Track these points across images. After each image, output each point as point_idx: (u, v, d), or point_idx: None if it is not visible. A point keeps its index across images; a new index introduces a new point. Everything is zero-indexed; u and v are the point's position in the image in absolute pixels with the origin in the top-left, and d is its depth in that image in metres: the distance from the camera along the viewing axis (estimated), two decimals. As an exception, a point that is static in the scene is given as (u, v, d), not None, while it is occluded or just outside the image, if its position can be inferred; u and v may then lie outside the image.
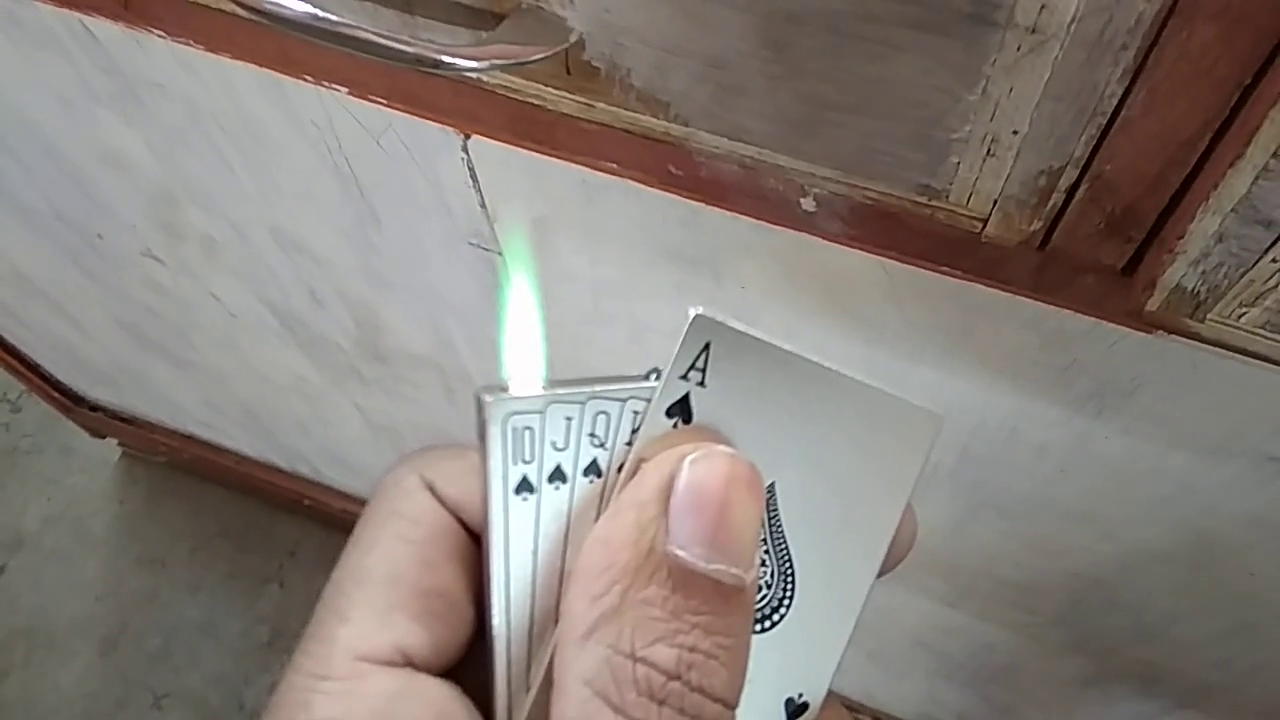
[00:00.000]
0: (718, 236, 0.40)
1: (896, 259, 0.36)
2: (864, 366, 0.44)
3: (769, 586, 0.20)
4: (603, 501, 0.20)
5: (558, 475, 0.19)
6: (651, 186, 0.37)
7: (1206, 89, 0.25)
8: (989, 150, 0.29)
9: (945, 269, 0.35)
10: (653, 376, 0.19)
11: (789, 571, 0.20)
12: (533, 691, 0.19)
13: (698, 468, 0.18)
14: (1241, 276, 0.28)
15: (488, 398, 0.18)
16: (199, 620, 1.18)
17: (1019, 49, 0.26)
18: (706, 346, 0.19)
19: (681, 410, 0.19)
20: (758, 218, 0.37)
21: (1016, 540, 0.53)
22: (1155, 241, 0.30)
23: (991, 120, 0.28)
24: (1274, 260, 0.27)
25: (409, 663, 0.20)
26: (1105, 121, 0.27)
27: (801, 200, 0.35)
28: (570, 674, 0.18)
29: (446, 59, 0.31)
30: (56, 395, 1.06)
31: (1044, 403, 0.41)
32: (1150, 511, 0.45)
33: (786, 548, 0.20)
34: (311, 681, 0.19)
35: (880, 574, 0.22)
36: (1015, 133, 0.28)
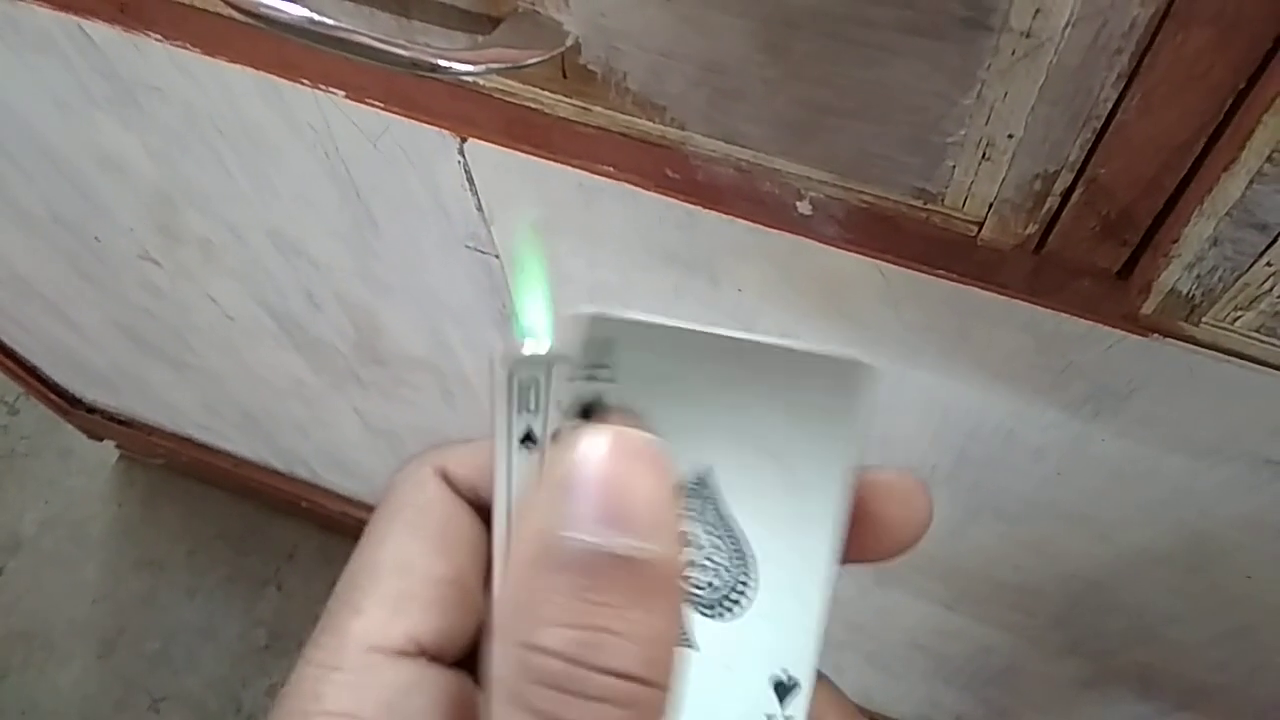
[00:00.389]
0: (714, 239, 0.40)
1: (893, 262, 0.36)
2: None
3: (726, 571, 0.20)
4: None
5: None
6: (648, 190, 0.37)
7: (1201, 93, 0.25)
8: (984, 154, 0.29)
9: (941, 272, 0.35)
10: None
11: (743, 553, 0.20)
12: None
13: (586, 450, 0.18)
14: (1236, 280, 0.28)
15: (499, 350, 0.18)
16: (197, 623, 1.18)
17: (1013, 53, 0.26)
18: (609, 342, 0.18)
19: (599, 409, 0.18)
20: (754, 221, 0.37)
21: (1014, 542, 0.53)
22: (1150, 245, 0.30)
23: (986, 124, 0.28)
24: (1268, 264, 0.27)
25: (422, 652, 0.20)
26: (1100, 126, 0.27)
27: (798, 203, 0.35)
28: (490, 678, 0.18)
29: (442, 63, 0.31)
30: (54, 398, 1.06)
31: (1041, 405, 0.41)
32: (1147, 514, 0.45)
33: (736, 529, 0.20)
34: (323, 673, 0.19)
35: (887, 557, 0.21)
36: (1010, 137, 0.28)
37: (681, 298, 0.44)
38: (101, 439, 1.16)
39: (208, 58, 0.41)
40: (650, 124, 0.34)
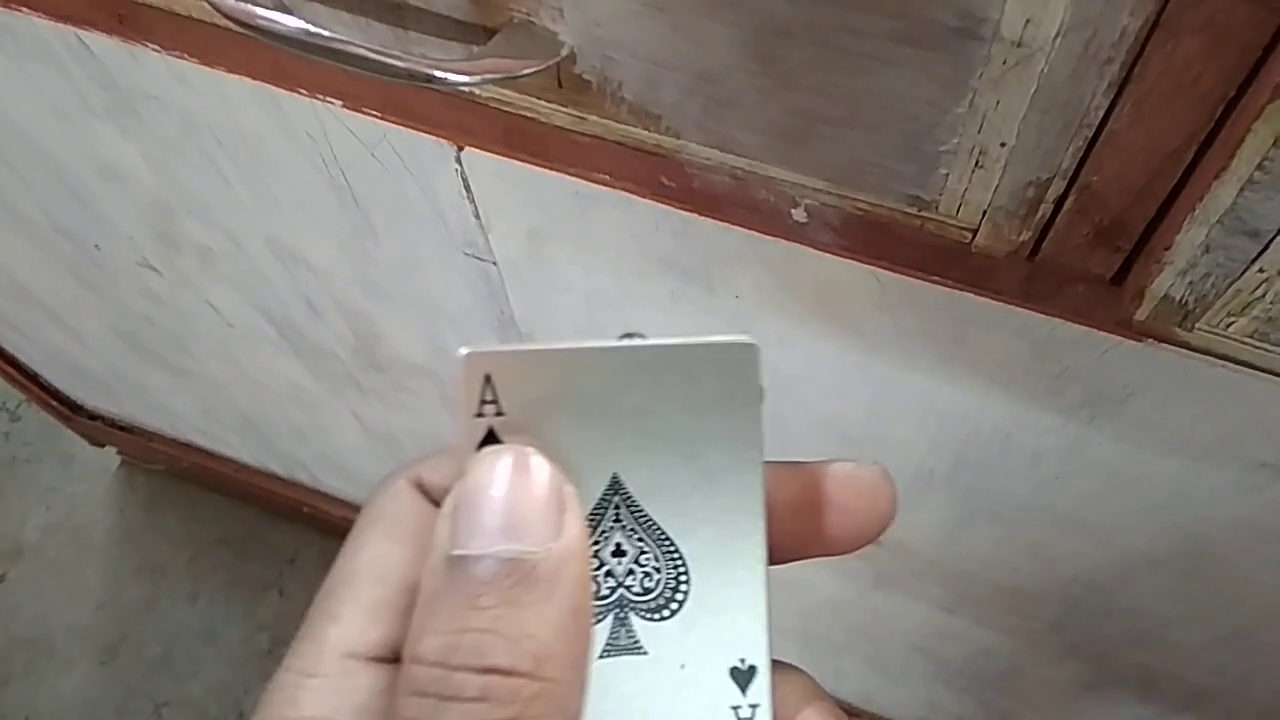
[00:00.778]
0: (711, 247, 0.40)
1: (888, 269, 0.36)
2: (858, 374, 0.45)
3: (660, 572, 0.20)
4: None
5: None
6: (644, 198, 0.37)
7: (1191, 102, 0.25)
8: (977, 162, 0.29)
9: (936, 278, 0.35)
10: (625, 340, 0.19)
11: (673, 552, 0.20)
12: None
13: (467, 474, 0.19)
14: (1229, 286, 0.28)
15: (463, 350, 0.19)
16: (199, 628, 1.18)
17: (1005, 63, 0.26)
18: (488, 379, 0.19)
19: (494, 442, 0.19)
20: (750, 228, 0.37)
21: (1012, 546, 0.53)
22: (1143, 252, 0.30)
23: (979, 132, 0.28)
24: (1260, 270, 0.27)
25: (398, 658, 0.20)
26: (1092, 134, 0.27)
27: (793, 211, 0.35)
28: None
29: (438, 74, 0.31)
30: (55, 404, 1.06)
31: (1037, 410, 0.41)
32: (1145, 517, 0.45)
33: (659, 529, 0.20)
34: (300, 679, 0.19)
35: (851, 549, 0.21)
36: (1003, 145, 0.28)
37: (679, 304, 0.45)
38: (103, 445, 1.16)
39: (205, 68, 0.42)
40: (645, 132, 0.34)
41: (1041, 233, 0.31)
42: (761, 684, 0.20)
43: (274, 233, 0.56)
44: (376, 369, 0.68)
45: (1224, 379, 0.34)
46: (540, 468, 0.19)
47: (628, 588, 0.20)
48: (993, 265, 0.33)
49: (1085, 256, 0.31)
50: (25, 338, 0.92)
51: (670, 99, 0.32)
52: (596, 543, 0.20)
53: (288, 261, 0.58)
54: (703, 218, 0.37)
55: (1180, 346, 0.32)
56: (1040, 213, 0.30)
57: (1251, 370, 0.32)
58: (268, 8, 0.32)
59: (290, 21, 0.32)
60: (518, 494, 0.18)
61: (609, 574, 0.20)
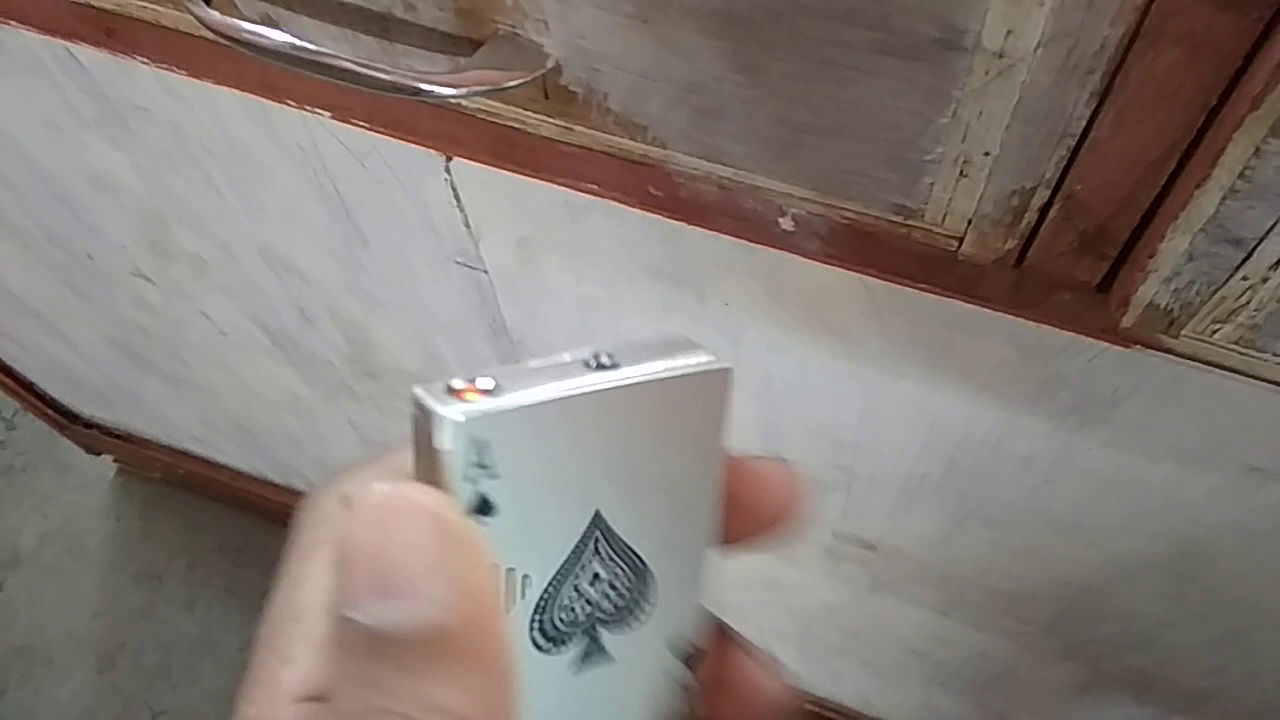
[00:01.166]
0: (699, 255, 0.40)
1: (876, 276, 0.36)
2: (849, 381, 0.45)
3: (628, 590, 0.20)
4: None
5: None
6: (632, 207, 0.37)
7: (1172, 111, 0.25)
8: (961, 171, 0.29)
9: (924, 286, 0.35)
10: (600, 373, 0.19)
11: (640, 567, 0.20)
12: None
13: (354, 519, 0.17)
14: (1213, 294, 0.28)
15: (441, 411, 0.18)
16: (196, 636, 1.18)
17: (987, 73, 0.26)
18: (477, 442, 0.18)
19: (484, 508, 0.18)
20: (738, 237, 0.37)
21: (1005, 550, 0.53)
22: (1128, 259, 0.30)
23: (963, 142, 0.28)
24: (1244, 278, 0.27)
25: None
26: (1075, 143, 0.27)
27: (780, 220, 0.35)
28: None
29: (425, 86, 0.31)
30: (51, 413, 1.06)
31: (1027, 415, 0.41)
32: (1136, 521, 0.46)
33: (631, 552, 0.20)
34: None
35: (764, 540, 0.22)
36: (986, 154, 0.29)
37: (669, 312, 0.45)
38: (99, 453, 1.16)
39: (194, 80, 0.42)
40: (632, 143, 0.34)
41: (1027, 241, 0.31)
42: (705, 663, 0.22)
43: (266, 242, 0.56)
44: (370, 376, 0.68)
45: (1211, 384, 0.34)
46: (432, 514, 0.17)
47: (601, 609, 0.20)
48: (980, 273, 0.33)
49: (1071, 264, 0.31)
50: (20, 347, 0.92)
51: (656, 110, 0.32)
52: (577, 576, 0.20)
53: (280, 270, 0.58)
54: (691, 226, 0.37)
55: (1167, 353, 0.32)
56: (1025, 221, 0.30)
57: (1238, 376, 0.32)
58: (254, 22, 0.32)
59: (277, 36, 0.32)
60: (402, 549, 0.16)
61: (587, 601, 0.20)
